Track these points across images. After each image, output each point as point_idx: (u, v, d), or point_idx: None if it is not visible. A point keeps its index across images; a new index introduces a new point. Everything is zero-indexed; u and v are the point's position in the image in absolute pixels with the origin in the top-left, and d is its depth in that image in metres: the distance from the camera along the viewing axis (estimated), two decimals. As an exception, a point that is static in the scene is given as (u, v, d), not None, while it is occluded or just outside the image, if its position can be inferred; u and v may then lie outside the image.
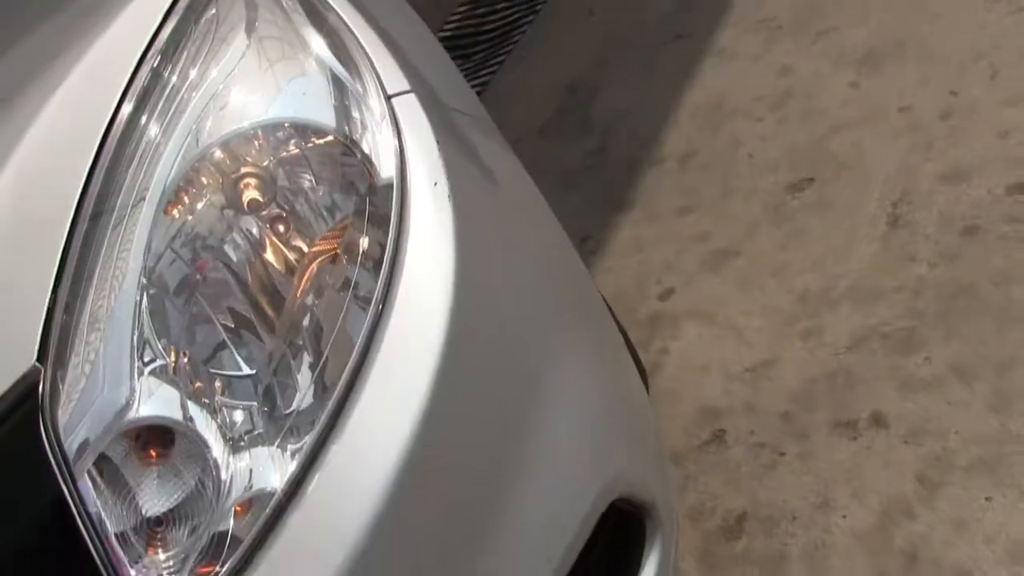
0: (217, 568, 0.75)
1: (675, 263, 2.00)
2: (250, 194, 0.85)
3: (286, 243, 0.84)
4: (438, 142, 0.90)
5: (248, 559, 0.75)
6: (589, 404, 0.99)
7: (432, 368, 0.83)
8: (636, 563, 1.09)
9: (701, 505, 1.58)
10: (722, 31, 2.52)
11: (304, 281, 0.84)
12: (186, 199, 0.82)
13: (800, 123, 2.13)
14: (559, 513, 0.94)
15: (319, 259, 0.85)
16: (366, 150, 0.89)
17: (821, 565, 1.43)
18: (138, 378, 0.78)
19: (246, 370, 0.80)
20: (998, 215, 1.72)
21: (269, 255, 0.84)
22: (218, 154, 0.84)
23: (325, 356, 0.81)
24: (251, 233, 0.83)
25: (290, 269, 0.84)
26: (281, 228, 0.84)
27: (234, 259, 0.82)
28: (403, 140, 0.90)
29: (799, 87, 2.22)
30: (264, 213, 0.84)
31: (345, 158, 0.88)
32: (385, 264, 0.84)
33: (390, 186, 0.88)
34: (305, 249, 0.85)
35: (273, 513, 0.76)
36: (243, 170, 0.85)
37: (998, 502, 1.38)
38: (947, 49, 2.08)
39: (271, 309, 0.82)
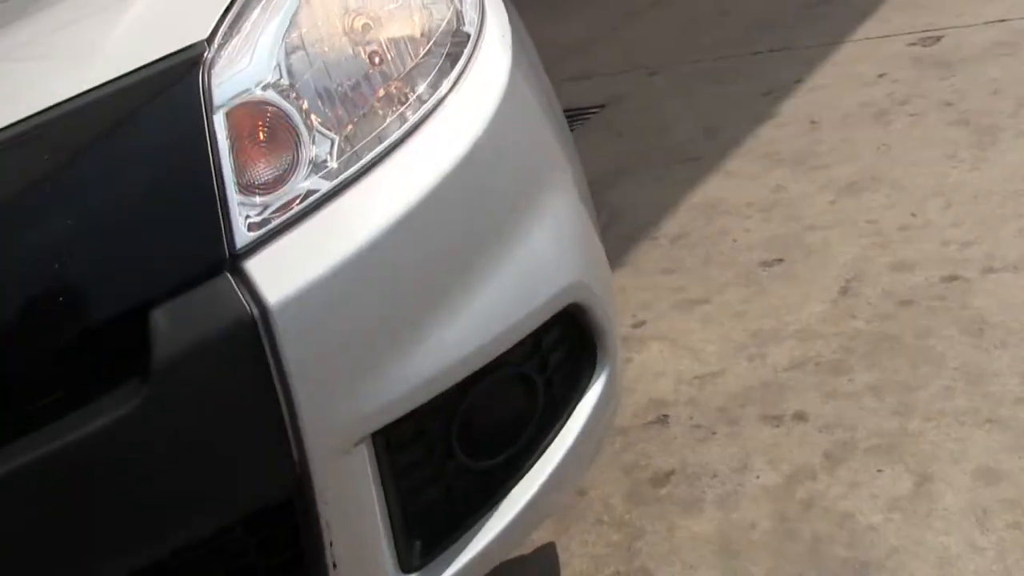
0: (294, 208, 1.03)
1: (651, 304, 2.30)
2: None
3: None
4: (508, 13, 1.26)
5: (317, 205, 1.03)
6: (566, 218, 1.28)
7: (481, 125, 1.15)
8: (584, 385, 1.33)
9: (636, 463, 1.82)
10: (732, 158, 2.93)
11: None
12: None
13: (781, 222, 2.48)
14: (530, 285, 1.21)
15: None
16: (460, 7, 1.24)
17: (731, 507, 1.65)
18: (279, 64, 1.08)
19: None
20: (930, 294, 2.03)
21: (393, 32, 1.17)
22: None
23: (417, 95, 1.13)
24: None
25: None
26: None
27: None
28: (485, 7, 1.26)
29: (786, 199, 2.59)
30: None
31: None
32: (462, 61, 1.18)
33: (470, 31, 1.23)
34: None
35: (327, 194, 1.04)
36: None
37: (887, 473, 1.62)
38: (915, 186, 2.46)
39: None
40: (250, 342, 0.97)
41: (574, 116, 3.64)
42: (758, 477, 1.69)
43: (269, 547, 1.09)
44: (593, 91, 3.96)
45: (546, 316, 1.20)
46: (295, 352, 0.98)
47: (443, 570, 1.18)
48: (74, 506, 0.97)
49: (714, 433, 1.82)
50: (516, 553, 1.61)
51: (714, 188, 2.78)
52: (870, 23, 3.67)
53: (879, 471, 1.63)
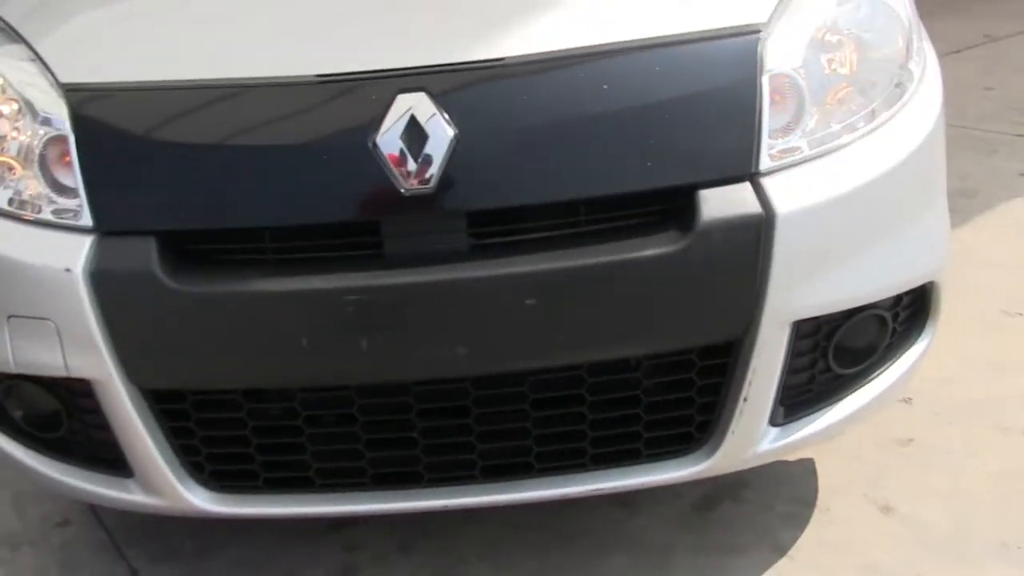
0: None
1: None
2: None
3: None
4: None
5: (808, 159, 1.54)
6: (944, 215, 1.76)
7: (922, 137, 1.63)
8: (913, 339, 1.79)
9: (885, 424, 2.28)
10: (985, 218, 3.32)
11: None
12: None
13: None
14: (917, 257, 1.68)
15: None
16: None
17: (959, 476, 2.10)
18: (802, 53, 1.58)
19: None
20: None
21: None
22: None
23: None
24: None
25: None
26: None
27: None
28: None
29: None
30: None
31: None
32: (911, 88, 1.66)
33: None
34: None
35: (812, 154, 1.55)
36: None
37: None
38: None
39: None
40: (756, 231, 1.49)
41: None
42: (985, 464, 2.14)
43: (679, 385, 1.60)
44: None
45: (914, 284, 1.69)
46: (781, 249, 1.49)
47: (791, 434, 1.68)
48: (604, 305, 1.49)
49: (951, 422, 2.27)
50: (782, 458, 2.10)
51: (968, 237, 3.20)
52: None
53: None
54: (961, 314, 2.64)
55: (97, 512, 2.17)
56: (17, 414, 1.72)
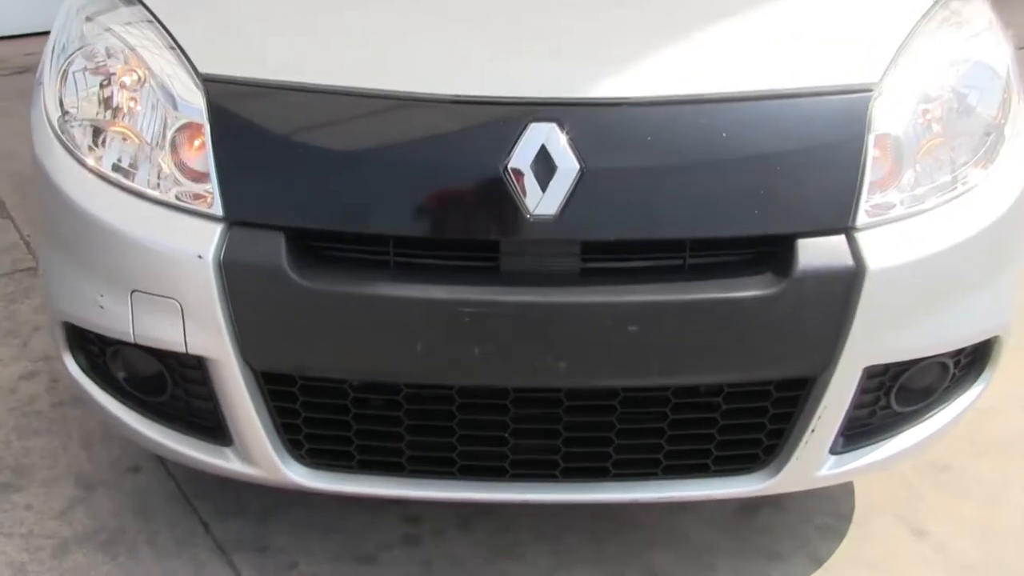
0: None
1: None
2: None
3: None
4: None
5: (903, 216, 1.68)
6: (1018, 274, 1.87)
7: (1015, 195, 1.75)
8: (968, 385, 1.93)
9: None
10: None
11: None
12: None
13: None
14: (988, 312, 1.82)
15: None
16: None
17: (992, 506, 2.26)
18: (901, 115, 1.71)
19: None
20: None
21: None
22: None
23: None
24: None
25: None
26: None
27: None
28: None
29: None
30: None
31: None
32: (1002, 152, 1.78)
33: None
34: None
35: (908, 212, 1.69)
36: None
37: None
38: None
39: None
40: (847, 283, 1.61)
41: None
42: (1016, 496, 2.29)
43: (755, 411, 1.73)
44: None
45: (980, 339, 1.82)
46: (867, 302, 1.62)
47: (848, 463, 1.83)
48: (699, 336, 1.62)
49: (987, 452, 2.42)
50: (837, 483, 2.23)
51: None
52: None
53: None
54: (1009, 347, 2.78)
55: (165, 463, 2.32)
56: (120, 375, 1.86)
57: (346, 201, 1.59)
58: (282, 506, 2.20)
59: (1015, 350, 2.76)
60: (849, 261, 1.60)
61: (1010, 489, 2.30)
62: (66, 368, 1.91)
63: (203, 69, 1.67)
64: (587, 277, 1.59)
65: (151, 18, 1.78)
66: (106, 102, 1.75)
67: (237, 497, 2.22)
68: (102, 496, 2.26)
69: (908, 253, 1.64)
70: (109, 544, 2.12)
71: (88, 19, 1.84)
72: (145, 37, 1.76)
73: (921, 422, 1.87)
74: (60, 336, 1.87)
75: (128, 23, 1.81)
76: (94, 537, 2.14)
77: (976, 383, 1.91)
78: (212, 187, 1.63)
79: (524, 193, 1.54)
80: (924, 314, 1.68)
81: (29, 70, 3.56)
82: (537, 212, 1.54)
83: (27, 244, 3.32)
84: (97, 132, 1.75)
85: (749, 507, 2.22)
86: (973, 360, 1.88)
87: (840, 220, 1.62)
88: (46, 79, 1.85)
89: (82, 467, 2.34)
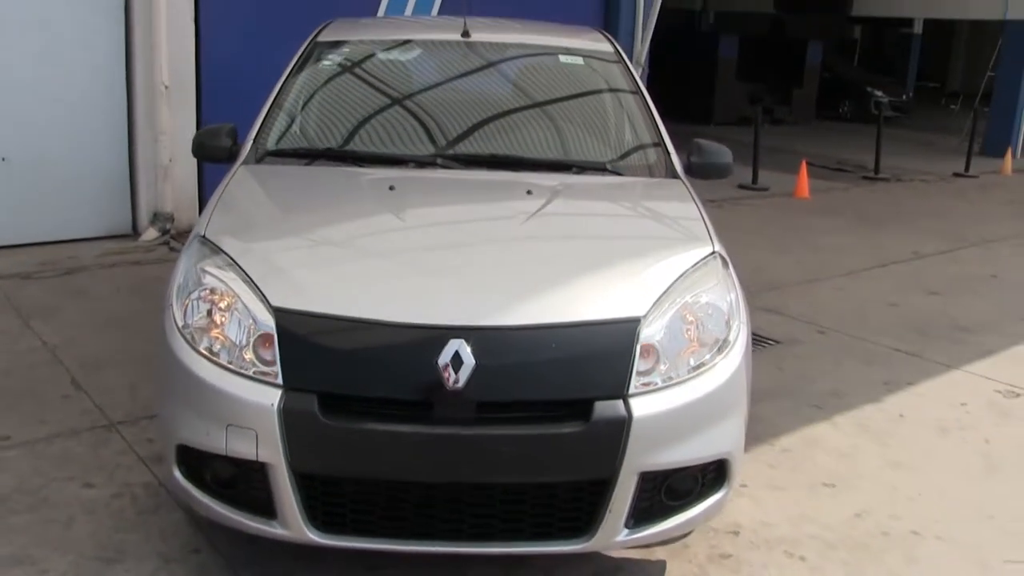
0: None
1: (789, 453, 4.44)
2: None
3: None
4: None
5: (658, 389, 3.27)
6: (743, 422, 3.47)
7: (732, 370, 3.40)
8: (715, 490, 3.45)
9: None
10: (841, 416, 5.04)
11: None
12: None
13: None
14: (717, 442, 3.35)
15: None
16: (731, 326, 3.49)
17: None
18: (662, 329, 3.34)
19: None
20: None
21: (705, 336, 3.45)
22: None
23: None
24: None
25: None
26: None
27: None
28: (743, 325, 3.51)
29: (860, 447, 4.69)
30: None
31: None
32: (727, 349, 3.43)
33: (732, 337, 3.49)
34: None
35: (662, 386, 3.27)
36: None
37: None
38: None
39: None
40: (622, 425, 3.14)
41: (757, 340, 5.82)
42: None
43: (575, 499, 3.26)
44: (776, 327, 6.16)
45: (714, 458, 3.36)
46: (635, 435, 3.11)
47: (637, 533, 3.30)
48: (543, 454, 3.19)
49: (758, 547, 3.93)
50: (643, 556, 3.74)
51: (818, 432, 4.91)
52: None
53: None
54: (792, 482, 4.34)
55: (217, 546, 3.80)
56: (208, 476, 3.40)
57: (350, 379, 3.15)
58: (296, 572, 3.68)
59: (797, 486, 4.28)
60: (624, 413, 3.13)
61: (768, 571, 3.79)
62: (172, 474, 3.41)
63: (274, 303, 3.29)
64: (481, 421, 3.12)
65: (232, 262, 3.39)
66: (211, 318, 3.34)
67: (271, 567, 3.70)
68: (176, 567, 3.73)
69: (661, 407, 3.17)
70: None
71: (199, 267, 3.45)
72: (229, 278, 3.39)
73: (685, 511, 3.36)
74: (173, 454, 3.38)
75: (219, 267, 3.41)
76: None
77: (719, 490, 3.42)
78: (277, 369, 3.20)
79: (448, 376, 3.11)
80: (673, 443, 3.18)
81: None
82: (451, 386, 3.11)
83: (100, 409, 4.82)
84: (206, 332, 3.33)
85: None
86: (716, 475, 3.42)
87: (619, 391, 3.15)
88: (173, 302, 3.46)
89: (160, 549, 3.81)
